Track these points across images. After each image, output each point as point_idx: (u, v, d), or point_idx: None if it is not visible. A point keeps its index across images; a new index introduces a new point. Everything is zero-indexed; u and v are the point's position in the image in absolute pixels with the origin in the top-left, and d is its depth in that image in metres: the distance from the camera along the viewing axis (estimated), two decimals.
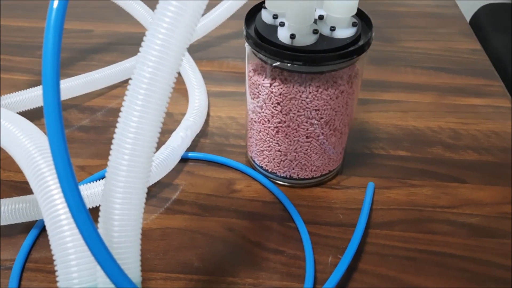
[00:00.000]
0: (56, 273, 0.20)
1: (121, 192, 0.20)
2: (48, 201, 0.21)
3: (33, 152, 0.23)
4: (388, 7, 0.68)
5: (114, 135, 0.20)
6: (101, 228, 0.20)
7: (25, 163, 0.22)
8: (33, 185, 0.22)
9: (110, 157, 0.20)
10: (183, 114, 0.44)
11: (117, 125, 0.20)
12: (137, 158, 0.20)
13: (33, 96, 0.43)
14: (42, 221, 0.35)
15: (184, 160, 0.41)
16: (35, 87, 0.44)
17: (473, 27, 0.64)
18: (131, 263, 0.20)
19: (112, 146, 0.20)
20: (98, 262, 0.18)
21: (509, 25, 0.95)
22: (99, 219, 0.20)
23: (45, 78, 0.17)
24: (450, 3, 0.69)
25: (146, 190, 0.20)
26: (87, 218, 0.17)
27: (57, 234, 0.20)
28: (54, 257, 0.21)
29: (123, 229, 0.20)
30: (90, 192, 0.33)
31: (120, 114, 0.20)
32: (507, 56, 0.85)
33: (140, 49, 0.20)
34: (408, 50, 0.58)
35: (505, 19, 0.99)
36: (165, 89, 0.20)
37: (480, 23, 1.00)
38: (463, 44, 0.59)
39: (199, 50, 0.56)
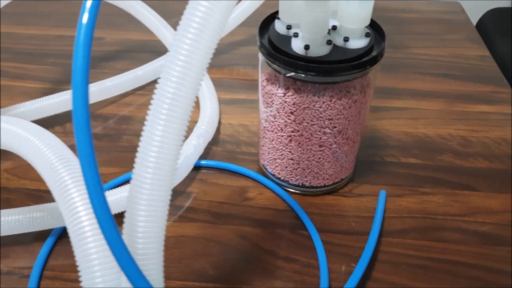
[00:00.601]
0: (81, 284, 0.21)
1: (145, 205, 0.20)
2: (72, 213, 0.21)
3: (55, 163, 0.23)
4: (396, 13, 0.68)
5: (138, 149, 0.20)
6: (125, 238, 0.20)
7: (48, 174, 0.23)
8: (56, 196, 0.22)
9: (134, 170, 0.20)
10: (195, 122, 0.44)
11: (141, 138, 0.20)
12: (161, 171, 0.20)
13: (46, 105, 0.44)
14: (58, 230, 0.35)
15: (196, 168, 0.42)
16: (48, 96, 0.44)
17: (478, 32, 0.64)
18: (154, 273, 0.20)
19: (136, 160, 0.20)
20: (123, 271, 0.18)
21: None
22: (124, 231, 0.21)
23: (75, 92, 0.17)
24: (457, 9, 0.70)
25: (169, 202, 0.21)
26: (114, 229, 0.18)
27: (82, 246, 0.21)
28: (78, 268, 0.21)
29: (147, 241, 0.20)
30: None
31: (144, 128, 0.20)
32: None
33: (164, 64, 0.20)
34: (416, 57, 0.58)
35: (511, 24, 0.99)
36: (187, 104, 0.20)
37: (486, 28, 1.00)
38: (472, 51, 0.59)
39: None
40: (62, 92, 0.45)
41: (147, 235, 0.20)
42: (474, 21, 1.00)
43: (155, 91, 0.20)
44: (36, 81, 0.53)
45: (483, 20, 1.05)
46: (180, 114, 0.20)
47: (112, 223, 0.18)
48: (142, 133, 0.20)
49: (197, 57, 0.20)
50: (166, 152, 0.20)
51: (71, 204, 0.21)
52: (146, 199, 0.20)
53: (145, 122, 0.20)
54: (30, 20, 0.65)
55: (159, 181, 0.20)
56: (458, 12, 0.69)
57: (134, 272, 0.19)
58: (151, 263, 0.20)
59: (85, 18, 0.17)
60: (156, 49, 0.56)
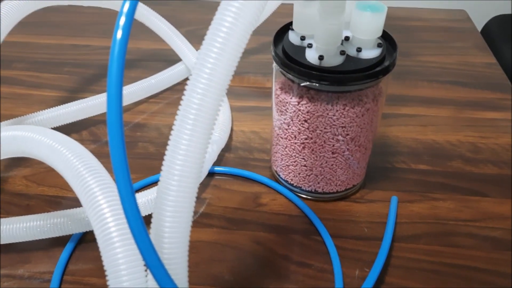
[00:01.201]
0: (108, 283, 0.21)
1: (171, 211, 0.21)
2: (100, 219, 0.22)
3: (82, 171, 0.24)
4: (402, 21, 0.69)
5: (165, 157, 0.21)
6: (152, 240, 0.21)
7: (75, 182, 0.24)
8: (84, 203, 0.23)
9: (160, 178, 0.21)
10: None
11: (168, 147, 0.21)
12: (186, 178, 0.21)
13: (63, 113, 0.45)
14: (77, 235, 0.36)
15: (210, 174, 0.42)
16: (65, 104, 0.45)
17: (484, 39, 0.65)
18: (180, 274, 0.21)
19: (162, 168, 0.21)
20: (151, 271, 0.19)
21: None
22: (151, 234, 0.21)
23: (110, 102, 0.18)
24: (463, 17, 0.70)
25: (193, 208, 0.22)
26: (144, 231, 0.19)
27: (109, 251, 0.21)
28: (106, 272, 0.22)
29: (173, 245, 0.21)
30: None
31: (171, 137, 0.21)
32: None
33: (189, 77, 0.21)
34: (424, 64, 0.59)
35: None
36: (212, 114, 0.21)
37: (491, 35, 1.00)
38: (478, 58, 0.60)
39: None
40: (78, 101, 0.46)
41: (173, 239, 0.21)
42: (479, 28, 1.01)
43: (181, 102, 0.21)
44: (53, 90, 0.54)
45: (488, 26, 1.05)
46: (205, 124, 0.21)
47: (142, 225, 0.19)
48: (169, 142, 0.21)
49: (220, 69, 0.20)
50: (191, 160, 0.21)
51: (99, 210, 0.22)
52: (172, 205, 0.21)
53: (172, 132, 0.21)
54: (45, 30, 0.66)
55: (185, 188, 0.21)
56: (464, 20, 0.70)
57: (161, 273, 0.19)
58: (177, 264, 0.21)
59: (119, 34, 0.18)
60: (168, 58, 0.57)
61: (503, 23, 1.05)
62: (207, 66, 0.20)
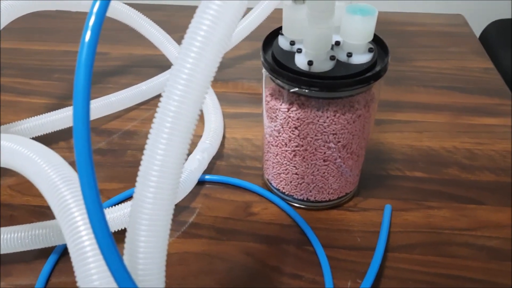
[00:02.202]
0: None
1: (146, 225, 0.20)
2: (74, 232, 0.21)
3: (57, 181, 0.23)
4: (398, 26, 0.68)
5: (140, 167, 0.20)
6: (126, 259, 0.20)
7: (49, 193, 0.23)
8: (58, 215, 0.22)
9: (135, 189, 0.20)
10: (199, 136, 0.44)
11: (143, 157, 0.20)
12: (163, 190, 0.20)
13: (51, 121, 0.44)
14: (60, 247, 0.35)
15: (200, 182, 0.41)
16: (52, 112, 0.45)
17: (482, 44, 0.64)
18: None
19: (137, 179, 0.20)
20: None
21: None
22: (124, 251, 0.20)
23: (76, 108, 0.17)
24: (461, 22, 0.70)
25: (170, 222, 0.21)
26: (114, 249, 0.18)
27: (83, 266, 0.20)
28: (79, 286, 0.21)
29: (148, 261, 0.20)
30: (110, 217, 0.33)
31: (146, 146, 0.20)
32: None
33: (167, 82, 0.20)
34: (420, 70, 0.58)
35: None
36: (190, 122, 0.20)
37: (489, 40, 0.99)
38: (475, 63, 0.59)
39: None
40: (66, 108, 0.45)
41: (148, 255, 0.20)
42: (477, 33, 1.01)
43: (157, 109, 0.20)
44: (42, 97, 0.53)
45: (486, 31, 1.04)
46: (182, 132, 0.20)
47: (112, 244, 0.17)
48: (144, 151, 0.20)
49: (199, 75, 0.19)
50: (167, 171, 0.20)
51: (73, 223, 0.21)
52: (147, 219, 0.20)
53: (147, 141, 0.20)
54: (35, 36, 0.66)
55: (161, 200, 0.20)
56: (461, 25, 0.69)
57: None
58: (153, 281, 0.20)
59: (87, 36, 0.17)
60: (160, 64, 0.56)
61: (502, 28, 1.04)
62: (185, 71, 0.19)
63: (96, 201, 0.18)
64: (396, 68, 0.58)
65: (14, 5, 0.41)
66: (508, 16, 1.06)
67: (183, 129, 0.20)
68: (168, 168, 0.20)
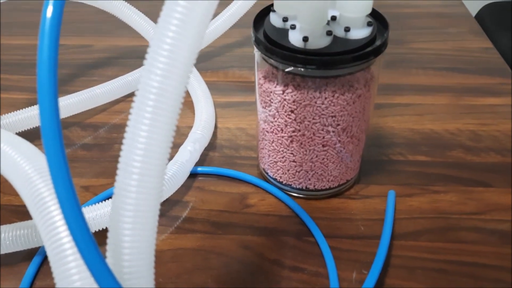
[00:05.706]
0: None
1: (131, 216, 0.18)
2: (50, 229, 0.19)
3: (31, 174, 0.21)
4: (393, 9, 0.66)
5: (121, 153, 0.18)
6: (110, 257, 0.18)
7: (23, 187, 0.21)
8: (32, 210, 0.20)
9: (117, 178, 0.18)
10: (190, 127, 0.42)
11: (124, 141, 0.18)
12: (148, 177, 0.18)
13: (32, 115, 0.42)
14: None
15: (193, 175, 0.39)
16: (34, 106, 0.42)
17: None
18: None
19: (119, 165, 0.18)
20: None
21: None
22: (107, 247, 0.18)
23: (41, 93, 0.15)
24: (456, 2, 0.68)
25: (158, 213, 0.18)
26: (95, 251, 0.15)
27: (62, 266, 0.18)
28: None
29: (135, 258, 0.18)
30: (96, 214, 0.31)
31: (127, 129, 0.18)
32: None
33: (146, 56, 0.18)
34: (418, 52, 0.56)
35: (508, 17, 0.98)
36: (175, 99, 0.18)
37: (484, 23, 0.98)
38: (475, 43, 0.57)
39: (203, 61, 0.55)
40: None
41: (135, 250, 0.18)
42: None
43: (138, 86, 0.18)
44: (23, 92, 0.51)
45: (480, 14, 1.03)
46: (167, 111, 0.17)
47: (92, 243, 0.15)
48: (125, 134, 0.18)
49: (184, 45, 0.17)
50: (153, 155, 0.18)
51: (49, 219, 0.19)
52: (132, 210, 0.17)
53: (128, 122, 0.18)
54: (16, 31, 0.63)
55: (147, 188, 0.18)
56: (457, 5, 0.67)
57: None
58: (140, 279, 0.18)
59: (49, 11, 0.15)
60: None
61: (496, 10, 1.02)
62: (167, 41, 0.17)
63: (70, 192, 0.15)
64: (393, 51, 0.56)
65: None
66: None
67: (169, 108, 0.17)
68: (154, 153, 0.18)
